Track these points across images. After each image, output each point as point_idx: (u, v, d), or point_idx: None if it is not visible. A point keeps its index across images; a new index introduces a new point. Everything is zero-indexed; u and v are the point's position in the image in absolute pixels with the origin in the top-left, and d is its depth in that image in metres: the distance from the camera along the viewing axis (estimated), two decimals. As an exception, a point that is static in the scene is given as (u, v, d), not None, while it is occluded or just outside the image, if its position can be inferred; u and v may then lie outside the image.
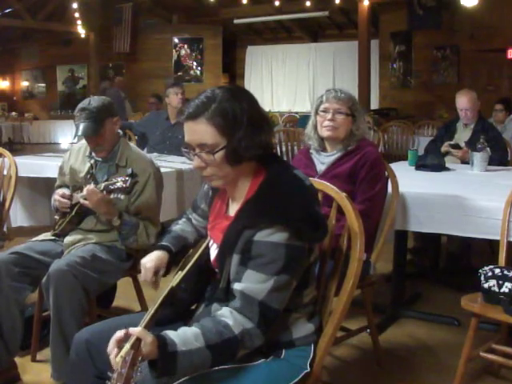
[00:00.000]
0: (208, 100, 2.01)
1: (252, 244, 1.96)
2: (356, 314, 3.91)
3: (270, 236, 1.94)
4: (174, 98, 6.47)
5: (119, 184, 3.18)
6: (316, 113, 3.65)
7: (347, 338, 3.71)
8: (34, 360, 3.72)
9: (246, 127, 1.99)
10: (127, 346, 1.72)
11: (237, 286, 1.98)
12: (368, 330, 3.73)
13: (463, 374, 3.12)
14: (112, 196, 3.35)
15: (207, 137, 2.00)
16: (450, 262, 5.37)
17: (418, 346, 3.97)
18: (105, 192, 3.26)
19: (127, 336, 1.79)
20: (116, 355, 1.74)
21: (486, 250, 5.41)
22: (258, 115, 2.07)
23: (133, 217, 3.47)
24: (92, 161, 3.60)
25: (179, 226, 2.60)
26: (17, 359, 3.50)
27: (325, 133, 3.60)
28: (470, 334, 3.07)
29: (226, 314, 1.96)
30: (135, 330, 1.79)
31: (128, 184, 3.15)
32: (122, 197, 3.42)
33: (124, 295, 4.32)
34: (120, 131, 3.66)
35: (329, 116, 3.56)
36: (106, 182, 3.25)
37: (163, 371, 1.82)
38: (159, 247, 2.50)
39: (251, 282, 1.95)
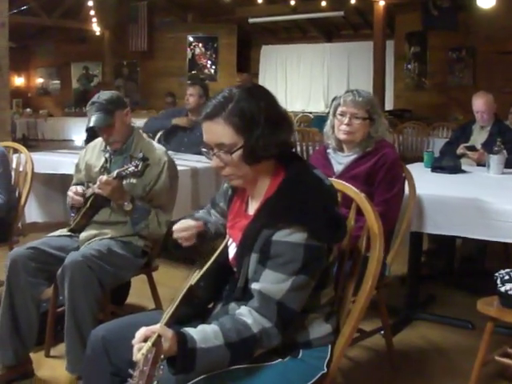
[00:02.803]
0: (225, 100, 2.01)
1: (271, 244, 1.95)
2: (370, 316, 3.89)
3: (289, 236, 1.93)
4: (185, 98, 6.55)
5: (131, 169, 3.23)
6: (334, 114, 3.63)
7: (361, 340, 3.70)
8: (47, 355, 3.75)
9: (264, 126, 1.99)
10: (149, 343, 1.71)
11: (255, 286, 1.98)
12: (382, 332, 3.72)
13: (478, 378, 3.10)
14: (125, 182, 3.41)
15: (225, 137, 2.00)
16: (465, 264, 5.35)
17: (432, 348, 3.96)
18: (118, 179, 3.31)
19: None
20: (138, 351, 1.73)
21: (501, 253, 5.38)
22: (277, 114, 2.06)
23: (145, 203, 3.50)
24: (107, 154, 3.65)
25: (200, 214, 2.61)
26: (31, 354, 3.50)
27: (341, 136, 3.58)
28: (486, 338, 3.05)
29: (245, 313, 1.96)
30: (155, 327, 1.79)
31: (140, 168, 3.19)
32: (135, 181, 3.45)
33: (138, 293, 4.33)
34: (133, 123, 3.71)
35: (345, 120, 3.54)
36: (118, 170, 3.30)
37: (182, 368, 1.82)
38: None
39: (269, 282, 1.95)
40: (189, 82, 7.21)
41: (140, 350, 1.72)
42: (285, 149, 2.10)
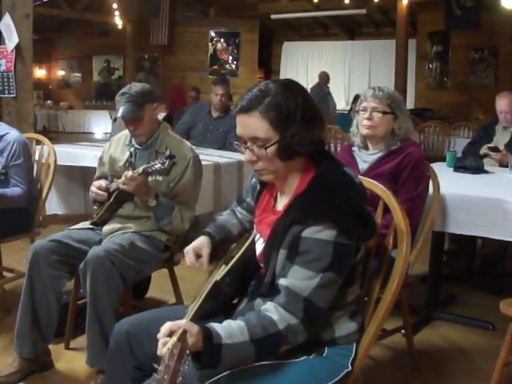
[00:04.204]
0: (262, 93, 1.98)
1: (300, 240, 1.94)
2: (389, 314, 3.88)
3: (319, 233, 1.91)
4: (213, 98, 6.62)
5: (157, 166, 3.22)
6: (358, 112, 3.64)
7: (382, 338, 3.70)
8: (67, 348, 3.75)
9: (300, 123, 1.97)
10: (174, 338, 1.71)
11: (282, 282, 1.97)
12: (402, 331, 3.70)
13: (499, 380, 3.07)
14: (150, 178, 3.41)
15: (260, 131, 1.98)
16: (485, 265, 5.33)
17: (452, 348, 3.93)
18: (143, 175, 3.31)
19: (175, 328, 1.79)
20: (163, 345, 1.73)
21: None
22: (312, 110, 2.04)
23: (169, 199, 3.50)
24: (132, 149, 3.64)
25: (223, 217, 2.61)
26: (50, 347, 3.52)
27: (363, 131, 3.59)
28: (508, 339, 3.02)
29: (271, 309, 1.94)
30: (181, 322, 1.78)
31: (166, 165, 3.19)
32: (161, 178, 3.46)
33: (158, 287, 4.34)
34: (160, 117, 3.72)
35: (366, 115, 3.55)
36: (145, 166, 3.29)
37: (207, 363, 1.82)
38: (202, 233, 2.50)
39: (297, 278, 1.94)
40: (216, 78, 7.22)
41: (165, 344, 1.72)
42: (317, 146, 2.08)
